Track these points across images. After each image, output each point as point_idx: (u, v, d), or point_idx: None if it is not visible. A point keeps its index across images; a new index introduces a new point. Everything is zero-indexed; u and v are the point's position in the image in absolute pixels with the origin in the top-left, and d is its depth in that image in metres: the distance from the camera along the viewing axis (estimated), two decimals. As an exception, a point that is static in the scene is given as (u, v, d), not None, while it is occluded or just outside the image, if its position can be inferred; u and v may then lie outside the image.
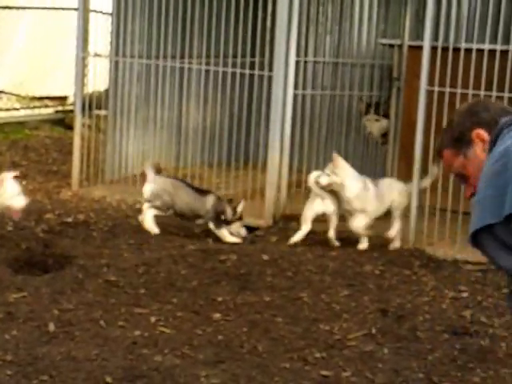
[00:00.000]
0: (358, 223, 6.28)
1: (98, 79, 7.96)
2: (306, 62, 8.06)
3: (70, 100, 10.84)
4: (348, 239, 6.56)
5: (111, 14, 7.82)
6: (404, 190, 6.42)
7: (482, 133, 2.62)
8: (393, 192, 6.38)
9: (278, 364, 4.43)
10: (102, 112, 8.33)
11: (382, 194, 6.33)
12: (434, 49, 6.44)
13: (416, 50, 6.79)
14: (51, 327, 4.73)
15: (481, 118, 2.64)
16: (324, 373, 4.37)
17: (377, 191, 6.31)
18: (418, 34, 7.30)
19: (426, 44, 6.43)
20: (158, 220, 6.76)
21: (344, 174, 6.21)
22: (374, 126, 7.55)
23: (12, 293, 5.18)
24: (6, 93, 11.46)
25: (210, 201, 6.49)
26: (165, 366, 4.36)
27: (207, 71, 7.47)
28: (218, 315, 5.05)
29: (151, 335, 4.73)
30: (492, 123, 2.61)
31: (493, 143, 2.59)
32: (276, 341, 4.72)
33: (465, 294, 5.56)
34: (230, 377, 4.29)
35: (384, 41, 7.60)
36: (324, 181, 6.20)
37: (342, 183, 6.20)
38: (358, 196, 6.23)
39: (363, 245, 6.34)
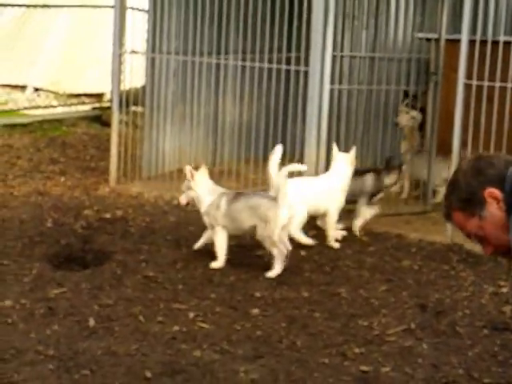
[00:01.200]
0: (215, 239, 5.80)
1: (135, 76, 8.00)
2: (342, 56, 8.03)
3: (107, 97, 10.91)
4: (385, 234, 6.54)
5: (148, 11, 7.85)
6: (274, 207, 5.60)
7: (494, 191, 2.56)
8: (256, 211, 5.65)
9: (316, 359, 4.43)
10: (139, 108, 8.37)
11: (236, 213, 5.73)
12: (471, 42, 6.39)
13: (454, 43, 6.74)
14: (91, 322, 4.77)
15: (488, 175, 2.57)
16: (363, 368, 4.36)
17: (229, 209, 5.72)
18: (455, 27, 7.24)
19: (464, 38, 6.38)
20: (195, 215, 6.78)
21: (199, 188, 5.85)
22: (403, 117, 7.50)
23: (52, 288, 5.23)
24: (43, 90, 11.56)
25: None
26: (204, 361, 4.38)
27: (243, 67, 7.48)
28: (256, 310, 5.05)
29: (190, 330, 4.75)
30: (501, 179, 2.55)
31: (510, 200, 2.53)
32: (314, 336, 4.72)
33: (504, 289, 5.52)
34: (269, 372, 4.29)
35: (421, 35, 7.55)
36: (183, 200, 5.94)
37: (198, 197, 5.85)
38: (207, 212, 5.83)
39: (217, 263, 5.74)
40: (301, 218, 6.11)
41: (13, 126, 9.39)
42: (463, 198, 2.59)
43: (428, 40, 7.38)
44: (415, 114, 7.40)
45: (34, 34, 11.67)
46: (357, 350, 4.55)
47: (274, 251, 5.63)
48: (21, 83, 11.60)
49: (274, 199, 5.63)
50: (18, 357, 4.30)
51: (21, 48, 11.69)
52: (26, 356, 4.31)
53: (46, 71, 11.57)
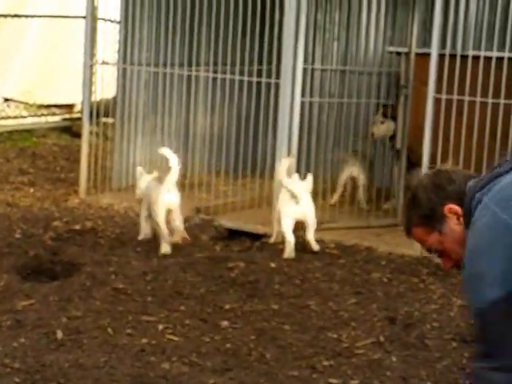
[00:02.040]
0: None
1: (106, 87, 7.97)
2: (313, 69, 8.06)
3: (78, 108, 10.86)
4: (355, 247, 6.56)
5: (119, 22, 7.84)
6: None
7: (454, 207, 2.57)
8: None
9: (285, 372, 4.42)
10: (110, 120, 8.34)
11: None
12: (441, 56, 6.44)
13: (423, 57, 6.79)
14: (59, 335, 4.74)
15: (448, 192, 2.58)
16: (332, 381, 4.36)
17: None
18: (425, 41, 7.30)
19: (434, 52, 6.43)
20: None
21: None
22: (379, 128, 7.50)
23: (20, 300, 5.18)
24: (14, 101, 11.49)
25: None
26: (172, 373, 4.36)
27: (214, 79, 7.48)
28: (225, 323, 5.04)
29: (159, 343, 4.72)
30: (461, 194, 2.56)
31: (469, 214, 2.53)
32: (284, 348, 4.71)
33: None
34: (238, 385, 4.28)
35: (391, 48, 7.59)
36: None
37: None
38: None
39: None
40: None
41: (-18, 137, 9.35)
42: (423, 213, 2.60)
43: (398, 54, 7.43)
44: (391, 123, 7.38)
45: (4, 44, 11.60)
46: (326, 363, 4.55)
47: (158, 231, 6.13)
48: (-9, 93, 11.53)
49: (161, 183, 6.25)
50: (-16, 369, 4.26)
51: (-9, 58, 11.63)
52: (-7, 369, 4.27)
53: (16, 81, 11.50)
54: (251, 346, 4.73)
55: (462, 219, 2.55)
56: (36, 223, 6.71)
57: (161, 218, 6.14)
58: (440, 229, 2.58)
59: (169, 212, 6.19)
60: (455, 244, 2.57)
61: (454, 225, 2.57)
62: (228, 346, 4.73)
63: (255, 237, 6.68)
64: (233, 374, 4.38)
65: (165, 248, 6.11)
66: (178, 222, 6.27)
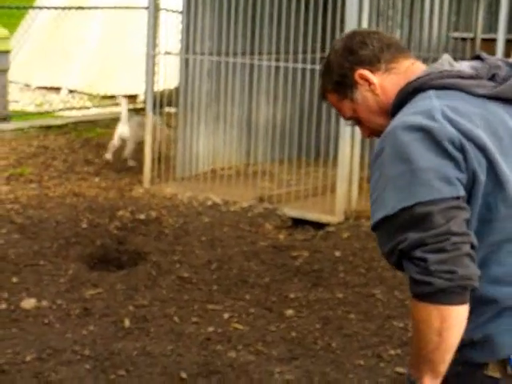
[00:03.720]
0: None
1: (169, 77, 8.02)
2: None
3: (141, 98, 10.95)
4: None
5: (181, 12, 7.87)
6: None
7: (365, 73, 2.33)
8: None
9: (352, 361, 4.41)
10: (173, 109, 8.39)
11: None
12: (508, 41, 6.33)
13: (489, 42, 6.68)
14: (127, 323, 4.79)
15: (359, 56, 2.34)
16: (399, 370, 4.33)
17: None
18: (490, 26, 7.18)
19: (501, 37, 6.32)
20: (229, 215, 6.80)
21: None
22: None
23: (88, 289, 5.26)
24: (78, 92, 11.63)
25: None
26: (239, 362, 4.38)
27: (277, 67, 7.47)
28: (290, 312, 5.05)
29: (225, 331, 4.75)
30: (374, 60, 2.33)
31: (405, 97, 2.26)
32: (350, 337, 4.70)
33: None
34: (304, 373, 4.29)
35: (456, 34, 7.49)
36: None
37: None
38: None
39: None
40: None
41: (48, 128, 9.46)
42: (336, 80, 2.38)
43: (463, 39, 7.33)
44: None
45: (68, 36, 11.75)
46: (392, 352, 4.53)
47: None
48: (56, 85, 11.68)
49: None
50: (55, 356, 4.33)
51: (56, 50, 11.78)
52: (63, 356, 4.34)
53: (80, 73, 11.64)
54: (317, 335, 4.73)
55: (373, 86, 2.33)
56: (102, 213, 6.78)
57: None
58: (351, 96, 2.36)
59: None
60: (369, 113, 2.36)
61: (365, 91, 2.34)
62: (293, 334, 4.74)
63: (319, 225, 6.66)
64: (299, 363, 4.38)
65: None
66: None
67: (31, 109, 10.80)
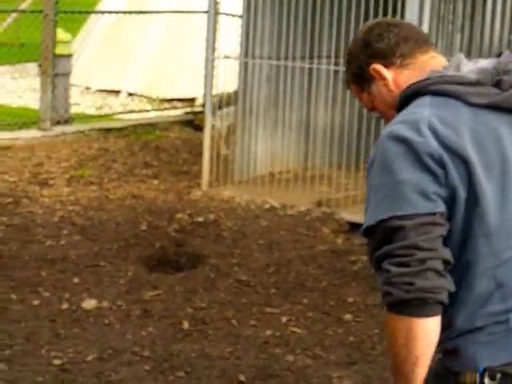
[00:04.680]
0: None
1: (227, 80, 8.07)
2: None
3: (199, 101, 11.03)
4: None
5: (241, 17, 7.91)
6: None
7: (377, 67, 2.28)
8: None
9: (411, 367, 4.38)
10: (231, 113, 8.43)
11: None
12: None
13: (552, 46, 6.59)
14: (185, 325, 4.83)
15: (375, 49, 2.28)
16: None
17: None
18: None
19: None
20: (287, 219, 6.81)
21: None
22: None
23: (147, 290, 5.31)
24: (137, 95, 11.76)
25: None
26: (297, 365, 4.39)
27: (336, 71, 7.46)
28: (348, 316, 5.04)
29: (283, 335, 4.76)
30: (388, 54, 2.27)
31: (406, 99, 2.22)
32: (409, 343, 4.67)
33: None
34: (363, 378, 4.28)
35: (518, 38, 7.40)
36: None
37: None
38: None
39: None
40: None
41: (108, 130, 9.58)
42: (354, 72, 2.35)
43: (525, 43, 7.24)
44: None
45: (128, 40, 11.89)
46: (452, 359, 4.49)
47: None
48: (115, 88, 11.83)
49: None
50: (115, 357, 4.39)
51: (116, 54, 11.93)
52: (123, 356, 4.39)
53: (139, 76, 11.76)
54: (375, 340, 4.71)
55: (386, 81, 2.28)
56: (160, 215, 6.85)
57: None
58: (368, 89, 2.33)
59: None
60: (385, 107, 2.32)
61: (380, 85, 2.30)
62: (352, 339, 4.73)
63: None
64: (357, 368, 4.38)
65: None
66: None
67: (92, 111, 10.95)
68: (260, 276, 5.65)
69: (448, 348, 2.14)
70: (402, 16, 6.89)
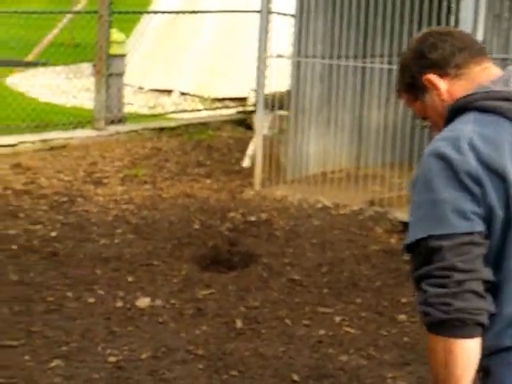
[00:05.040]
0: None
1: (280, 80, 8.06)
2: (493, 59, 7.82)
3: (251, 101, 11.04)
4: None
5: (293, 16, 7.90)
6: None
7: (431, 77, 2.27)
8: None
9: (466, 368, 4.34)
10: (284, 112, 8.43)
11: None
12: None
13: None
14: (238, 324, 4.85)
15: (429, 59, 2.27)
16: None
17: None
18: None
19: None
20: (340, 219, 6.79)
21: None
22: None
23: (200, 289, 5.34)
24: (189, 94, 11.82)
25: None
26: (350, 366, 4.37)
27: (389, 70, 7.41)
28: (402, 316, 5.01)
29: (336, 335, 4.75)
30: (443, 65, 2.25)
31: (453, 114, 2.22)
32: (464, 345, 4.62)
33: None
34: (417, 379, 4.25)
35: None
36: None
37: None
38: None
39: None
40: None
41: (161, 130, 9.65)
42: (407, 81, 2.35)
43: None
44: None
45: (181, 40, 11.95)
46: (508, 361, 4.43)
47: None
48: (168, 88, 11.90)
49: None
50: (169, 355, 4.42)
51: (169, 54, 12.00)
52: (177, 355, 4.42)
53: (191, 76, 11.82)
54: (429, 341, 4.67)
55: (439, 92, 2.27)
56: (213, 214, 6.88)
57: None
58: (422, 99, 2.32)
59: None
60: (437, 116, 2.31)
61: (434, 95, 2.29)
62: (406, 339, 4.70)
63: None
64: (411, 369, 4.35)
65: None
66: None
67: (144, 111, 11.04)
68: (313, 275, 5.64)
69: (481, 366, 2.12)
70: (457, 14, 6.82)
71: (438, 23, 7.03)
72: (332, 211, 7.03)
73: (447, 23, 7.00)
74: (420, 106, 2.35)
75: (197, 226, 6.57)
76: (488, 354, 2.11)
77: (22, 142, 8.51)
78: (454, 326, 2.03)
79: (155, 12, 12.35)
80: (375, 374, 4.28)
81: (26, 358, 4.35)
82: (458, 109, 2.21)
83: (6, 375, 4.15)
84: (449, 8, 6.93)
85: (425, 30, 2.42)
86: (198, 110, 11.05)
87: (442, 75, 2.28)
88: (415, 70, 2.31)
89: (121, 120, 9.65)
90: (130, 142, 9.16)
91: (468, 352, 2.05)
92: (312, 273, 5.68)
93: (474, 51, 2.29)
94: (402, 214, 6.84)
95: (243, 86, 11.14)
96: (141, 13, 13.26)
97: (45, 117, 9.69)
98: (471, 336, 2.04)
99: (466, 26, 6.63)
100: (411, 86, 2.34)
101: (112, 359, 4.36)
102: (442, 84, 2.27)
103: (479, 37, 6.62)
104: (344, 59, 7.58)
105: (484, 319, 2.04)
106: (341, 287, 5.45)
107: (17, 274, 5.43)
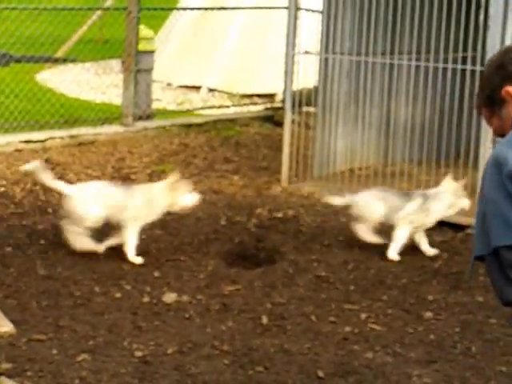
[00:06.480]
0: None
1: (307, 76, 8.06)
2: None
3: (279, 97, 11.04)
4: None
5: (321, 12, 7.89)
6: None
7: (511, 90, 2.23)
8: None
9: (493, 367, 4.32)
10: (311, 109, 8.42)
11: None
12: None
13: None
14: (264, 320, 4.86)
15: (509, 71, 2.24)
16: (542, 378, 4.22)
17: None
18: None
19: None
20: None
21: None
22: None
23: (227, 285, 5.36)
24: (218, 91, 11.83)
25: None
26: (376, 363, 4.37)
27: (417, 67, 7.38)
28: (429, 314, 4.99)
29: (362, 332, 4.75)
30: None
31: None
32: (491, 342, 4.61)
33: None
34: (443, 377, 4.24)
35: None
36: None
37: None
38: None
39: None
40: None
41: (189, 126, 9.67)
42: (487, 95, 2.32)
43: None
44: None
45: (209, 37, 11.97)
46: (535, 359, 4.42)
47: None
48: (196, 84, 11.93)
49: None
50: (195, 350, 4.44)
51: (197, 50, 12.02)
52: (203, 350, 4.44)
53: (219, 72, 11.84)
54: (456, 339, 4.66)
55: None
56: (240, 210, 6.89)
57: None
58: (499, 113, 2.29)
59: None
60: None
61: (511, 108, 2.26)
62: (432, 337, 4.69)
63: (458, 227, 6.55)
64: (437, 366, 4.33)
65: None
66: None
67: (173, 107, 11.07)
68: (339, 272, 5.64)
69: None
70: (486, 10, 6.78)
71: (467, 20, 6.99)
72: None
73: (476, 19, 6.95)
74: (497, 121, 2.35)
75: (223, 222, 6.59)
76: None
77: (51, 138, 8.57)
78: None
79: (184, 9, 12.38)
80: (401, 372, 4.27)
81: (54, 351, 4.38)
82: None
83: (34, 369, 4.19)
84: (478, 4, 6.89)
85: (505, 46, 2.45)
86: (226, 107, 11.06)
87: None
88: (496, 82, 2.31)
89: (149, 116, 9.68)
90: (157, 137, 9.19)
91: None
92: (338, 269, 5.68)
93: None
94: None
95: (271, 82, 11.15)
96: (169, 9, 13.29)
97: (74, 113, 9.75)
98: None
99: (496, 21, 6.59)
100: (490, 99, 2.34)
101: (138, 354, 4.38)
102: None
103: (509, 33, 6.57)
104: (372, 56, 7.56)
105: None
106: (367, 284, 5.44)
107: (45, 269, 5.48)
